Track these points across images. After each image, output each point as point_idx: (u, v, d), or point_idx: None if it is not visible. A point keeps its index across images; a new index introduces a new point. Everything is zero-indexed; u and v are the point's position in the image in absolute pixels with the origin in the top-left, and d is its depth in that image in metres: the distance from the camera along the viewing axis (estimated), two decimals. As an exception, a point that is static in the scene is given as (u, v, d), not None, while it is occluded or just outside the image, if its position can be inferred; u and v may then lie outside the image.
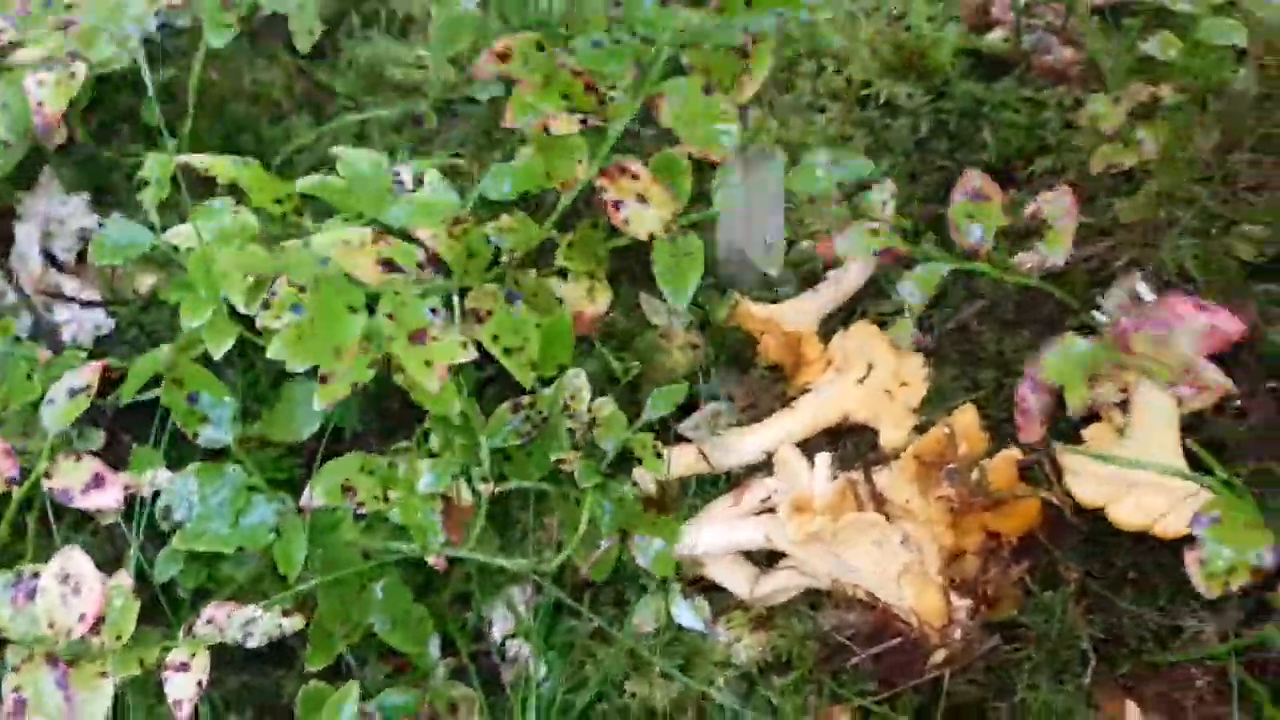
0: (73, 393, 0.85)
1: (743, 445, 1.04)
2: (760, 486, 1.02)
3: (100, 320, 1.11)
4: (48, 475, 0.84)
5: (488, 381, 1.05)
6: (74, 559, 0.79)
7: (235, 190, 0.96)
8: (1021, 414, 0.96)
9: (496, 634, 1.01)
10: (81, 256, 1.16)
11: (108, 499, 0.82)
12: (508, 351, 0.91)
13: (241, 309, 0.86)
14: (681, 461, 1.03)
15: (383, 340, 0.86)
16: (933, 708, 0.96)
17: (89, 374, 0.86)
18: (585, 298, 0.98)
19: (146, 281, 1.12)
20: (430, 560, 0.90)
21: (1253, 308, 1.03)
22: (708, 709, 0.96)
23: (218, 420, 0.89)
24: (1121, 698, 0.98)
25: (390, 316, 0.86)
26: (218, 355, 0.87)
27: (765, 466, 1.03)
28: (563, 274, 1.00)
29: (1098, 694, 0.98)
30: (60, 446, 0.84)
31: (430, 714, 0.98)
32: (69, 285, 1.12)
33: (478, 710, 0.98)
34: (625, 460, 1.01)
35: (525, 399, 0.96)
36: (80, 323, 1.11)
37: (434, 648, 0.99)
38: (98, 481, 0.82)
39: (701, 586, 1.01)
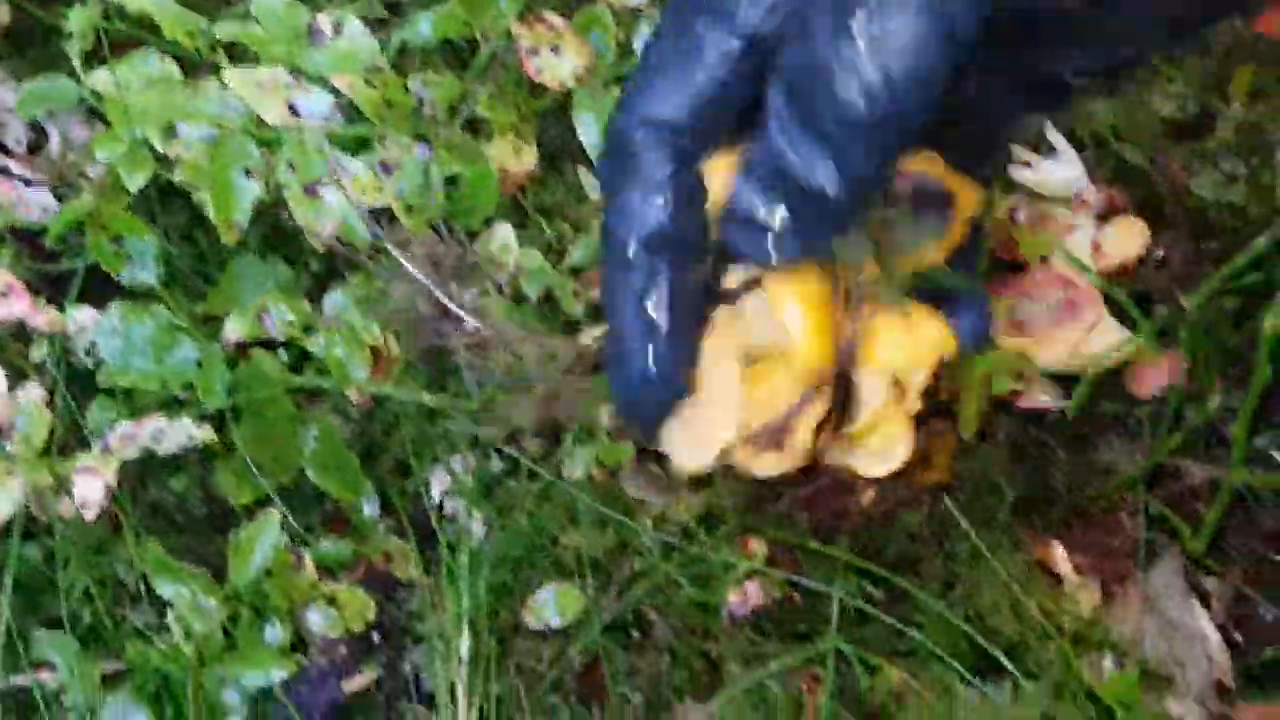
0: (-12, 210, 0.87)
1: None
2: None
3: (47, 202, 1.13)
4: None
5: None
6: (-19, 364, 0.81)
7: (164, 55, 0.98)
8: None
9: (435, 494, 1.02)
10: (33, 149, 1.18)
11: (18, 308, 0.83)
12: (410, 208, 0.91)
13: (158, 146, 0.88)
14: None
15: (278, 184, 0.87)
16: (864, 552, 0.97)
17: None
18: (511, 155, 0.99)
19: (95, 170, 1.14)
20: (352, 397, 0.91)
21: (1176, 165, 1.04)
22: (642, 553, 0.98)
23: (140, 258, 0.91)
24: (1050, 541, 0.99)
25: (291, 166, 0.87)
26: (134, 188, 0.89)
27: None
28: (489, 136, 1.01)
29: (1027, 539, 0.99)
30: (-21, 267, 0.85)
31: (366, 565, 0.99)
32: (16, 167, 1.14)
33: (413, 562, 0.99)
34: (555, 314, 1.02)
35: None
36: (26, 204, 1.12)
37: (372, 507, 1.01)
38: (8, 291, 0.83)
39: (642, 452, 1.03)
